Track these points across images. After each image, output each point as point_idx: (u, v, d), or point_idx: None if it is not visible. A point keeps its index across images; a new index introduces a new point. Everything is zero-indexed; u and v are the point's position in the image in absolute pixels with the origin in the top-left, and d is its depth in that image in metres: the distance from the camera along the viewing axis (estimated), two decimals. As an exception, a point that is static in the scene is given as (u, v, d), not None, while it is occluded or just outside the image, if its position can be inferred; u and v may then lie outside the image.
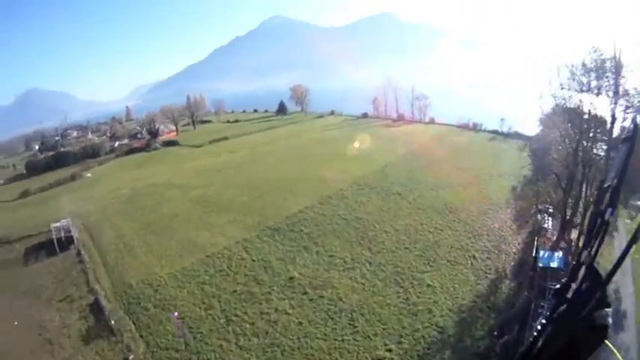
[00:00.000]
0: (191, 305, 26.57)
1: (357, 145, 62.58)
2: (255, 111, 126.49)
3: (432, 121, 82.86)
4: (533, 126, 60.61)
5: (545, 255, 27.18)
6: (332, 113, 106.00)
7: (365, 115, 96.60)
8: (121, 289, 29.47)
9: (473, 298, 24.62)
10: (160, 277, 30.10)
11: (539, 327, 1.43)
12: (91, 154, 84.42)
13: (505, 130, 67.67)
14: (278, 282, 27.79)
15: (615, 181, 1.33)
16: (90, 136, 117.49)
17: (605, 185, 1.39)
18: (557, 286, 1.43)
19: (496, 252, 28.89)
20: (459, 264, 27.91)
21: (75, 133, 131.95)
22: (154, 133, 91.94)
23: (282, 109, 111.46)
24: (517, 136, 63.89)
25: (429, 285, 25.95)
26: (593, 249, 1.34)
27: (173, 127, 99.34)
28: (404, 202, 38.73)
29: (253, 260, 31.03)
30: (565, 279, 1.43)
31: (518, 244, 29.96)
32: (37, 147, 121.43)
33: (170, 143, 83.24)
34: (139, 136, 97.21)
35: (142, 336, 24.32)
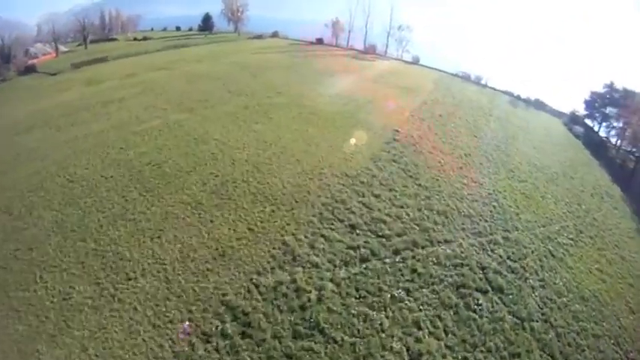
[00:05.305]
0: None
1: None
2: (178, 29, 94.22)
3: (416, 62, 59.66)
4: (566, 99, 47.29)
5: None
6: (275, 35, 74.71)
7: (320, 42, 68.27)
8: None
9: None
10: None
11: None
12: None
13: (523, 96, 49.14)
14: None
15: None
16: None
17: None
18: None
19: None
20: None
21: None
22: (5, 57, 59.94)
23: (207, 26, 79.30)
24: (540, 105, 47.42)
25: None
26: None
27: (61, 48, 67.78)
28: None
29: None
30: None
31: None
32: None
33: (27, 70, 57.08)
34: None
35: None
